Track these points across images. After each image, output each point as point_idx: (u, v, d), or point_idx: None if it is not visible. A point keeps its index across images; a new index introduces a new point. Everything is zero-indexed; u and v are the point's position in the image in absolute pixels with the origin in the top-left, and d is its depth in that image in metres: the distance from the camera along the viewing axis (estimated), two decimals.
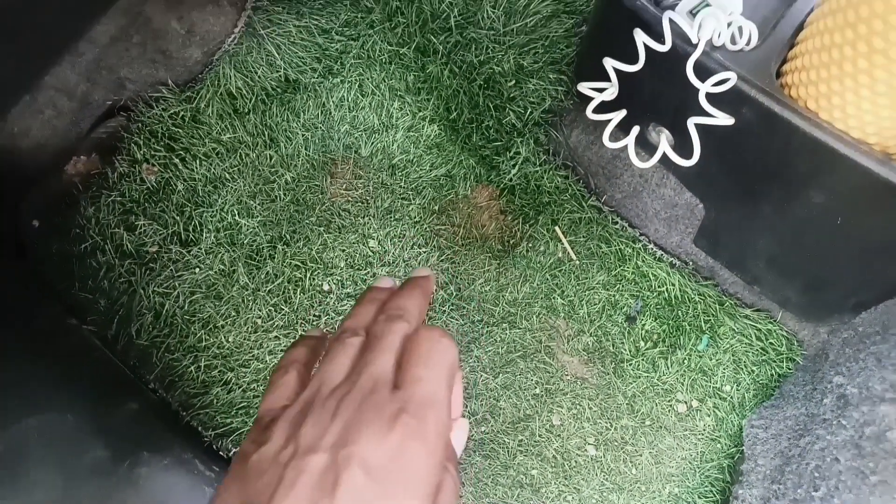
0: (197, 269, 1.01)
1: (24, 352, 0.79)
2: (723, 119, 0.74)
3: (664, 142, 0.82)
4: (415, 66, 1.09)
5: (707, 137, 0.78)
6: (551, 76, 1.05)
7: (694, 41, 0.72)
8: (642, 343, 1.02)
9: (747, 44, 0.74)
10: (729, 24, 0.73)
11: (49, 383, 0.76)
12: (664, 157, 0.83)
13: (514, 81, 1.05)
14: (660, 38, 0.73)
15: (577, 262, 1.04)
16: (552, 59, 1.06)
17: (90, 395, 0.81)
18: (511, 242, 1.06)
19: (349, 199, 1.06)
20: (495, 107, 1.06)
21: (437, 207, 1.06)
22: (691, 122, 0.76)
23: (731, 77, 0.71)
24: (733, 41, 0.74)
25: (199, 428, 0.95)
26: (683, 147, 0.80)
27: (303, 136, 1.07)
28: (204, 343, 0.98)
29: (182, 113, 1.06)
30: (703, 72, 0.72)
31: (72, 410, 0.73)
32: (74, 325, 0.96)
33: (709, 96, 0.73)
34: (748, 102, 0.72)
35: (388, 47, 1.09)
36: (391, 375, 0.31)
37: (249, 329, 1.00)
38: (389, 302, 0.36)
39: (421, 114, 1.08)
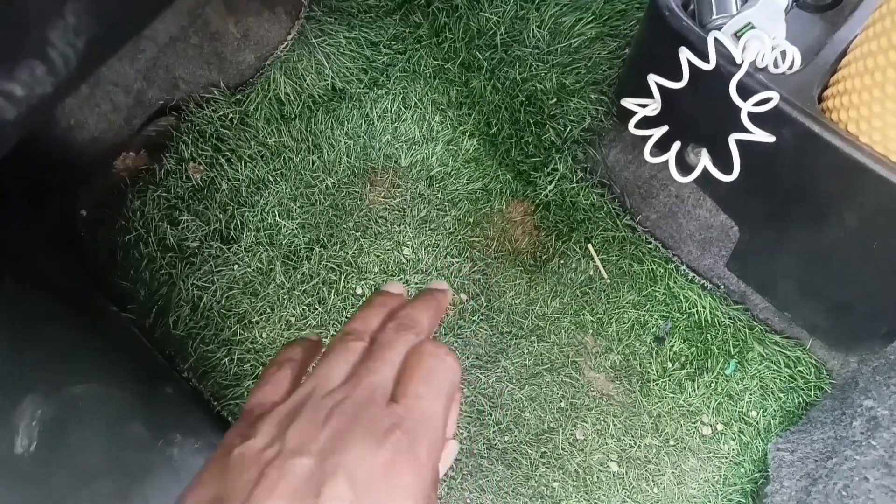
0: (236, 266, 1.04)
1: (70, 328, 0.81)
2: (763, 136, 0.75)
3: (705, 156, 0.84)
4: (458, 80, 1.12)
5: (745, 158, 0.79)
6: (592, 96, 1.08)
7: (738, 61, 0.74)
8: (670, 364, 1.02)
9: (790, 68, 0.76)
10: (773, 48, 0.75)
11: (93, 359, 0.78)
12: (701, 177, 0.85)
13: (555, 99, 1.08)
14: (704, 58, 0.76)
15: (608, 280, 1.06)
16: (594, 79, 1.09)
17: (130, 375, 0.83)
18: (543, 258, 1.07)
19: (387, 206, 1.09)
20: (535, 123, 1.09)
21: (471, 220, 1.08)
22: (732, 138, 0.78)
23: (774, 97, 0.73)
24: (776, 64, 0.76)
25: (230, 418, 0.97)
26: (722, 166, 0.82)
27: (345, 143, 1.10)
28: (238, 337, 1.01)
29: (231, 115, 1.10)
30: (745, 91, 0.74)
31: (114, 385, 0.75)
32: (115, 312, 0.98)
33: (749, 115, 0.75)
34: (789, 123, 0.74)
35: (434, 62, 1.13)
36: (390, 387, 0.30)
37: (283, 326, 1.02)
38: (402, 311, 0.35)
39: (461, 128, 1.11)
